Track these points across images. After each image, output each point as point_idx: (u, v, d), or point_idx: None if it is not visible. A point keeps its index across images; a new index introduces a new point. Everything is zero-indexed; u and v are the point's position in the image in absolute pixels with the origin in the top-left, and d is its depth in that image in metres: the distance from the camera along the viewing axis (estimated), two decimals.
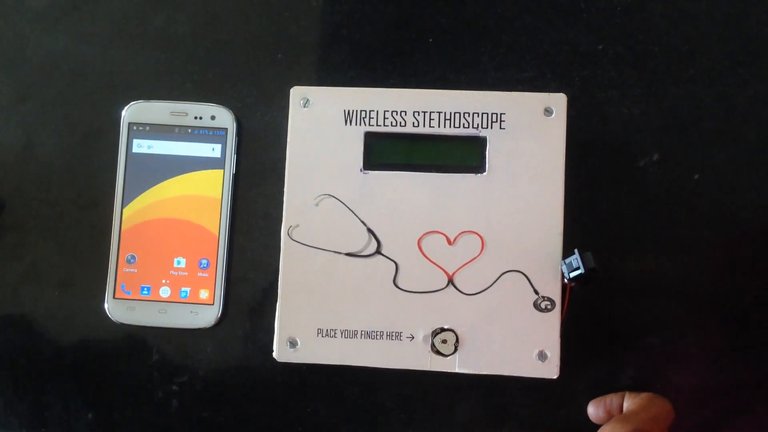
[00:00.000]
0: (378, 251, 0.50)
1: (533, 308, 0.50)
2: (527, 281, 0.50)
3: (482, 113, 0.51)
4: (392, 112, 0.51)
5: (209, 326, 0.56)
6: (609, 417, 0.52)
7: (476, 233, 0.50)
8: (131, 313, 0.56)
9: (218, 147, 0.56)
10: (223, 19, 0.59)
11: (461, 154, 0.51)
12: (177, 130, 0.57)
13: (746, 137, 0.56)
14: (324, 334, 0.50)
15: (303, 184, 0.51)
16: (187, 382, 0.56)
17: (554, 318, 0.50)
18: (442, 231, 0.50)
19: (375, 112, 0.52)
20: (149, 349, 0.57)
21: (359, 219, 0.51)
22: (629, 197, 0.56)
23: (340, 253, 0.51)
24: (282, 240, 0.51)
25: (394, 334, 0.50)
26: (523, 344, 0.49)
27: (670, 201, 0.56)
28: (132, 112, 0.57)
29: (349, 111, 0.52)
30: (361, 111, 0.52)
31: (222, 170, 0.56)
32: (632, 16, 0.57)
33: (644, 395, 0.52)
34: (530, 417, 0.55)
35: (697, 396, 0.55)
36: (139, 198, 0.56)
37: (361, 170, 0.51)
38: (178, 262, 0.56)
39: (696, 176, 0.56)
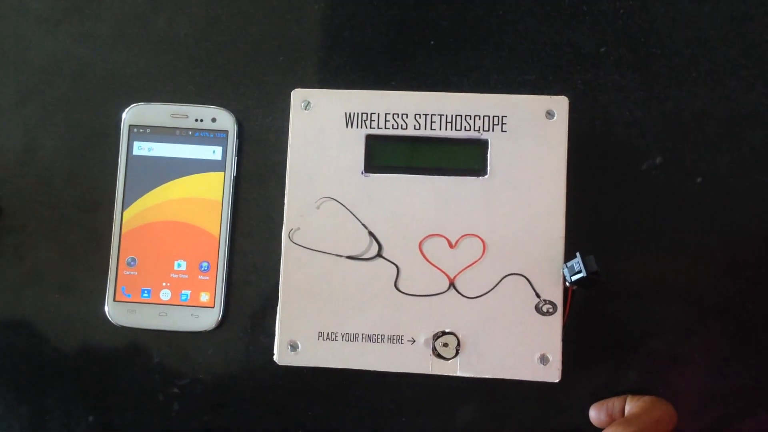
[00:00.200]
0: (379, 254, 0.50)
1: (535, 312, 0.50)
2: (529, 284, 0.50)
3: (484, 116, 0.51)
4: (394, 114, 0.51)
5: (210, 329, 0.56)
6: (611, 421, 0.52)
7: (478, 236, 0.50)
8: (132, 316, 0.56)
9: (219, 149, 0.56)
10: (225, 21, 0.59)
11: (463, 157, 0.51)
12: (178, 132, 0.57)
13: (749, 141, 0.56)
14: (325, 338, 0.50)
15: (304, 187, 0.51)
16: (188, 385, 0.56)
17: (556, 321, 0.49)
18: (443, 234, 0.50)
19: (376, 114, 0.51)
20: (150, 352, 0.57)
21: (360, 222, 0.51)
22: (632, 200, 0.55)
23: (341, 256, 0.51)
24: (283, 243, 0.51)
25: (395, 337, 0.50)
26: (525, 348, 0.49)
27: (673, 204, 0.55)
28: (133, 114, 0.57)
29: (350, 114, 0.52)
30: (362, 114, 0.51)
31: (223, 173, 0.56)
32: (634, 18, 0.57)
33: (646, 399, 0.52)
34: (531, 421, 0.55)
35: (699, 400, 0.55)
36: (139, 200, 0.56)
37: (362, 173, 0.51)
38: (179, 265, 0.56)
39: (699, 180, 0.56)
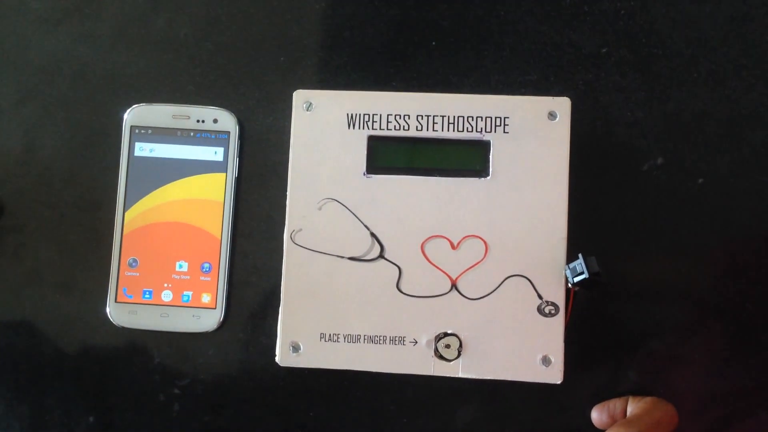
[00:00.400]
0: (381, 255, 0.50)
1: (537, 313, 0.50)
2: (531, 286, 0.50)
3: (486, 117, 0.51)
4: (396, 115, 0.51)
5: (211, 330, 0.56)
6: (612, 422, 0.52)
7: (480, 238, 0.50)
8: (133, 317, 0.56)
9: (221, 150, 0.56)
10: (226, 21, 0.59)
11: (465, 158, 0.51)
12: (179, 133, 0.56)
13: (750, 141, 0.56)
14: (327, 339, 0.50)
15: (306, 188, 0.51)
16: (189, 386, 0.56)
17: (558, 323, 0.49)
18: (445, 235, 0.50)
19: (378, 115, 0.51)
20: (151, 352, 0.57)
21: (362, 223, 0.51)
22: (633, 201, 0.56)
23: (343, 257, 0.51)
24: (285, 244, 0.51)
25: (397, 338, 0.50)
26: (527, 349, 0.49)
27: (674, 205, 0.55)
28: (134, 115, 0.57)
29: (352, 114, 0.51)
30: (364, 114, 0.51)
31: (224, 174, 0.56)
32: (636, 19, 0.57)
33: (648, 399, 0.52)
34: (533, 422, 0.55)
35: (700, 400, 0.55)
36: (141, 201, 0.56)
37: (364, 174, 0.51)
38: (180, 266, 0.55)
39: (700, 180, 0.56)
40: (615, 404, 0.53)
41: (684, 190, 0.56)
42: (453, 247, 0.50)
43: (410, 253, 0.50)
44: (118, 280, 0.56)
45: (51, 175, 0.58)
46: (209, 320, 0.55)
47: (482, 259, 0.50)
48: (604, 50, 0.57)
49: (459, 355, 0.49)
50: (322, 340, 0.50)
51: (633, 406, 0.52)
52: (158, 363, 0.56)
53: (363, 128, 0.51)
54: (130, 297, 0.56)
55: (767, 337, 0.55)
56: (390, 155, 0.52)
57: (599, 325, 0.55)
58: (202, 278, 0.55)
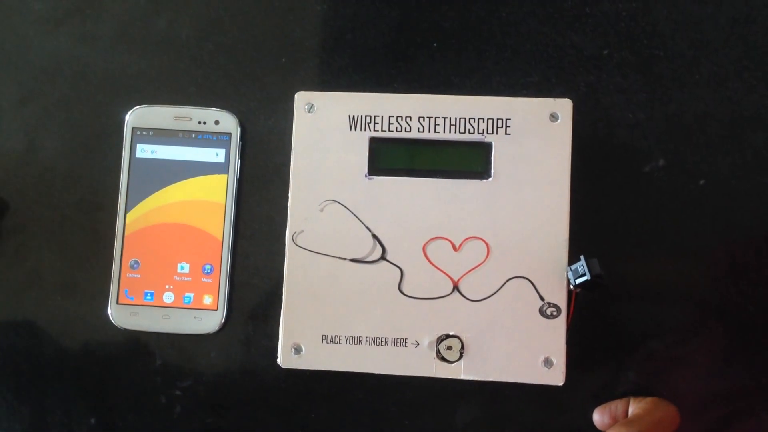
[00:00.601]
0: (383, 257, 0.50)
1: (539, 315, 0.50)
2: (533, 287, 0.50)
3: (488, 119, 0.51)
4: (397, 117, 0.51)
5: (213, 332, 0.56)
6: (614, 423, 0.52)
7: (482, 239, 0.50)
8: (134, 319, 0.55)
9: (222, 152, 0.56)
10: (227, 22, 0.59)
11: (466, 159, 0.51)
12: (181, 134, 0.56)
13: (752, 143, 0.56)
14: (329, 341, 0.50)
15: (308, 190, 0.51)
16: (191, 388, 0.56)
17: (560, 324, 0.49)
18: (447, 237, 0.50)
19: (380, 117, 0.51)
20: (152, 354, 0.57)
21: (364, 225, 0.51)
22: (634, 203, 0.56)
23: (344, 259, 0.51)
24: (287, 245, 0.51)
25: (399, 340, 0.50)
26: (529, 351, 0.49)
27: (676, 206, 0.55)
28: (135, 116, 0.57)
29: (354, 116, 0.51)
30: (366, 116, 0.51)
31: (226, 175, 0.56)
32: (637, 20, 0.57)
33: (649, 400, 0.52)
34: (535, 423, 0.55)
35: (702, 401, 0.55)
36: (142, 203, 0.56)
37: (366, 176, 0.51)
38: (182, 268, 0.55)
39: (701, 182, 0.56)
40: (616, 405, 0.53)
41: (685, 191, 0.56)
42: (455, 248, 0.50)
43: (412, 254, 0.50)
44: (119, 282, 0.56)
45: (52, 176, 0.58)
46: (211, 322, 0.55)
47: (484, 261, 0.50)
48: (605, 52, 0.57)
49: (461, 356, 0.49)
50: (324, 341, 0.50)
51: (634, 407, 0.52)
52: (160, 364, 0.56)
53: (365, 130, 0.51)
54: (132, 298, 0.55)
55: None
56: (392, 157, 0.52)
57: (601, 326, 0.55)
58: (203, 280, 0.55)
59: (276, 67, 0.58)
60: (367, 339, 0.50)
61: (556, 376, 0.49)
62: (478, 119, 0.51)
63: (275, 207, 0.56)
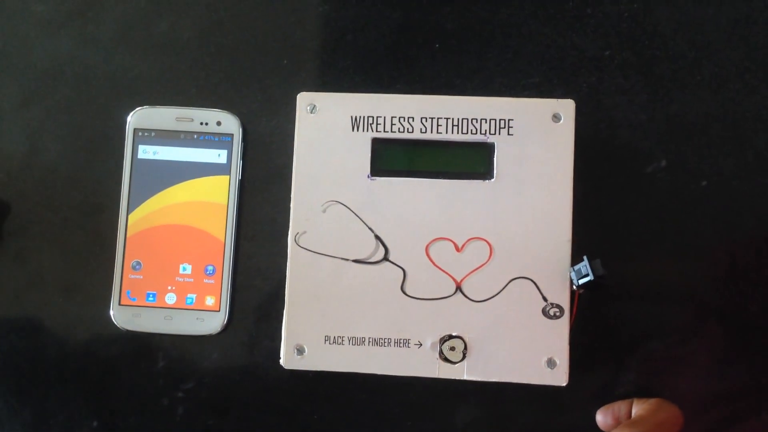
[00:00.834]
0: (385, 258, 0.50)
1: (542, 315, 0.50)
2: (536, 288, 0.50)
3: (490, 119, 0.51)
4: (399, 118, 0.51)
5: (215, 333, 0.55)
6: (617, 424, 0.52)
7: (484, 240, 0.50)
8: (137, 320, 0.55)
9: (224, 153, 0.56)
10: (229, 24, 0.59)
11: (469, 160, 0.51)
12: (182, 135, 0.56)
13: (753, 144, 0.56)
14: (331, 341, 0.50)
15: (310, 191, 0.51)
16: (193, 389, 0.56)
17: (563, 325, 0.49)
18: (449, 237, 0.50)
19: (382, 118, 0.51)
20: (154, 355, 0.56)
21: (366, 225, 0.51)
22: (637, 203, 0.56)
23: (347, 259, 0.50)
24: (289, 246, 0.51)
25: (401, 341, 0.50)
26: (532, 351, 0.49)
27: (678, 207, 0.55)
28: (137, 117, 0.57)
29: (356, 117, 0.51)
30: (368, 117, 0.51)
31: (228, 176, 0.56)
32: (639, 22, 0.57)
33: (652, 401, 0.52)
34: (537, 424, 0.55)
35: (705, 402, 0.55)
36: (144, 204, 0.56)
37: (368, 176, 0.51)
38: (184, 269, 0.55)
39: (703, 183, 0.56)
40: (620, 406, 0.53)
41: (687, 192, 0.56)
42: (457, 249, 0.50)
43: (415, 255, 0.50)
44: (121, 283, 0.56)
45: (54, 178, 0.58)
46: (213, 323, 0.55)
47: (487, 262, 0.50)
48: (607, 53, 0.57)
49: (464, 357, 0.49)
50: (327, 342, 0.50)
51: (638, 408, 0.52)
52: (162, 366, 0.56)
53: (367, 131, 0.51)
54: (134, 300, 0.55)
55: None
56: (394, 157, 0.52)
57: (604, 327, 0.55)
58: (205, 281, 0.55)
59: (278, 67, 0.58)
60: (370, 340, 0.50)
61: (560, 377, 0.49)
62: (481, 120, 0.51)
63: (277, 208, 0.56)
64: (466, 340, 0.49)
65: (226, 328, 0.56)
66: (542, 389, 0.50)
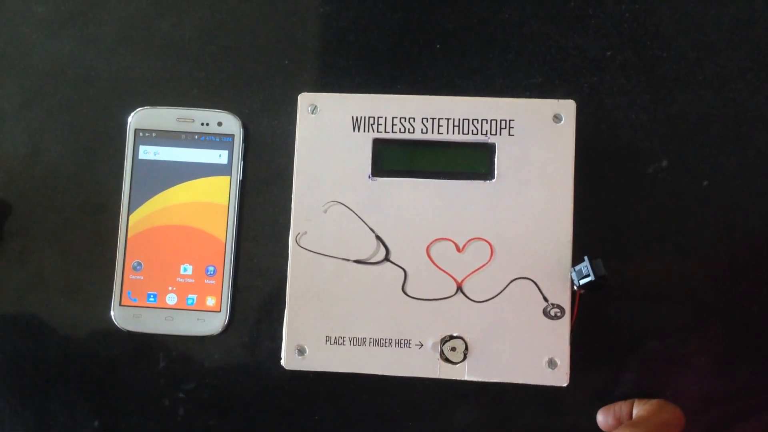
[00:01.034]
0: (386, 258, 0.50)
1: (543, 316, 0.49)
2: (537, 288, 0.50)
3: (491, 120, 0.51)
4: (401, 118, 0.51)
5: (216, 333, 0.55)
6: (618, 425, 0.52)
7: (485, 240, 0.50)
8: (137, 321, 0.55)
9: (225, 153, 0.56)
10: (230, 24, 0.59)
11: (470, 160, 0.51)
12: (183, 136, 0.56)
13: (755, 144, 0.56)
14: (332, 342, 0.50)
15: (311, 191, 0.51)
16: (194, 390, 0.56)
17: (564, 325, 0.49)
18: (450, 238, 0.50)
19: (383, 118, 0.51)
20: (155, 356, 0.56)
21: (368, 226, 0.51)
22: (638, 204, 0.55)
23: (348, 260, 0.50)
24: (290, 247, 0.51)
25: (402, 341, 0.50)
26: (533, 352, 0.49)
27: (679, 208, 0.55)
28: (138, 118, 0.57)
29: (357, 118, 0.51)
30: (369, 117, 0.51)
31: (229, 177, 0.56)
32: (640, 22, 0.57)
33: (654, 402, 0.52)
34: (538, 425, 0.55)
35: (707, 402, 0.55)
36: (145, 204, 0.56)
37: (369, 177, 0.51)
38: (185, 269, 0.55)
39: (705, 183, 0.56)
40: (621, 407, 0.53)
41: (689, 192, 0.56)
42: (458, 249, 0.50)
43: (415, 255, 0.50)
44: (122, 284, 0.56)
45: (55, 178, 0.58)
46: (214, 323, 0.55)
47: (488, 262, 0.50)
48: (608, 53, 0.57)
49: (465, 357, 0.49)
50: (328, 343, 0.50)
51: (639, 409, 0.52)
52: (163, 367, 0.56)
53: (368, 131, 0.51)
54: (135, 300, 0.55)
55: None
56: (395, 158, 0.52)
57: (604, 327, 0.55)
58: (206, 281, 0.55)
59: (279, 68, 0.58)
60: (371, 340, 0.50)
61: (560, 377, 0.49)
62: (482, 120, 0.51)
63: (278, 208, 0.56)
64: (467, 340, 0.49)
65: (226, 328, 0.56)
66: (543, 390, 0.50)
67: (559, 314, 0.49)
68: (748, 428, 0.55)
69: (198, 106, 0.57)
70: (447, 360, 0.49)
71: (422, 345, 0.50)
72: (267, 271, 0.56)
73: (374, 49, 0.58)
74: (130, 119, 0.57)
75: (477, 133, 0.51)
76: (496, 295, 0.50)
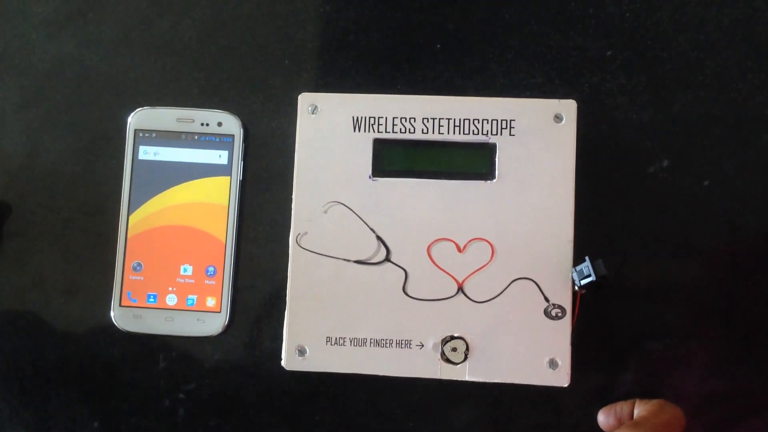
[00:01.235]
0: (387, 259, 0.50)
1: (544, 316, 0.49)
2: (538, 289, 0.50)
3: (492, 120, 0.51)
4: (401, 118, 0.51)
5: (216, 334, 0.55)
6: (619, 425, 0.52)
7: (486, 240, 0.50)
8: (137, 321, 0.55)
9: (225, 154, 0.56)
10: (230, 24, 0.59)
11: (470, 160, 0.51)
12: (183, 136, 0.56)
13: (756, 143, 0.56)
14: (333, 342, 0.50)
15: (311, 191, 0.51)
16: (194, 390, 0.56)
17: (565, 326, 0.49)
18: (451, 238, 0.50)
19: (384, 118, 0.51)
20: (156, 357, 0.56)
21: (368, 226, 0.51)
22: (639, 204, 0.55)
23: (349, 260, 0.50)
24: (290, 247, 0.51)
25: (403, 342, 0.50)
26: (534, 352, 0.49)
27: (680, 207, 0.55)
28: (138, 118, 0.57)
29: (357, 118, 0.51)
30: (369, 118, 0.51)
31: (229, 177, 0.56)
32: (641, 21, 0.57)
33: (655, 402, 0.52)
34: (539, 425, 0.55)
35: (708, 402, 0.55)
36: (145, 205, 0.56)
37: (369, 177, 0.51)
38: (185, 270, 0.55)
39: (706, 182, 0.55)
40: (622, 407, 0.52)
41: (690, 192, 0.56)
42: (459, 250, 0.50)
43: (416, 256, 0.50)
44: (122, 284, 0.55)
45: (55, 179, 0.58)
46: (214, 324, 0.55)
47: (488, 262, 0.50)
48: (609, 53, 0.57)
49: (466, 358, 0.49)
50: (328, 343, 0.50)
51: (640, 409, 0.51)
52: (163, 367, 0.56)
53: (368, 131, 0.51)
54: (135, 301, 0.55)
55: None
56: (395, 158, 0.52)
57: (605, 327, 0.55)
58: (206, 282, 0.55)
59: (279, 68, 0.58)
60: (372, 341, 0.50)
61: (561, 378, 0.49)
62: (482, 120, 0.51)
63: (279, 209, 0.55)
64: (468, 340, 0.49)
65: (227, 329, 0.55)
66: (544, 390, 0.50)
67: (560, 314, 0.49)
68: (748, 428, 0.55)
69: (198, 107, 0.57)
70: (448, 360, 0.49)
71: (423, 345, 0.50)
72: (267, 271, 0.56)
73: (374, 49, 0.58)
74: (129, 119, 0.57)
75: (478, 133, 0.51)
76: (497, 296, 0.50)
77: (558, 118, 0.51)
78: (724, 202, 0.55)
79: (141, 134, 0.57)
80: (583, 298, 0.50)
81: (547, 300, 0.49)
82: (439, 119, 0.51)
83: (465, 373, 0.49)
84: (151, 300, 0.55)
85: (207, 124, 0.56)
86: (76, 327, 0.57)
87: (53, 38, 0.60)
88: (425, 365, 0.50)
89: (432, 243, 0.50)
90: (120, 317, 0.55)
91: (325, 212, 0.51)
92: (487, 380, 0.49)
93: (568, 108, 0.51)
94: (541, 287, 0.50)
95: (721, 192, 0.55)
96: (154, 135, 0.56)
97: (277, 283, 0.55)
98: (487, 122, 0.51)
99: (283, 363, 0.50)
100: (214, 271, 0.55)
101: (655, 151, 0.56)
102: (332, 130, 0.51)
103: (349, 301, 0.50)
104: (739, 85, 0.56)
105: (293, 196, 0.51)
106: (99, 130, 0.58)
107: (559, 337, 0.49)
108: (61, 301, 0.57)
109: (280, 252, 0.53)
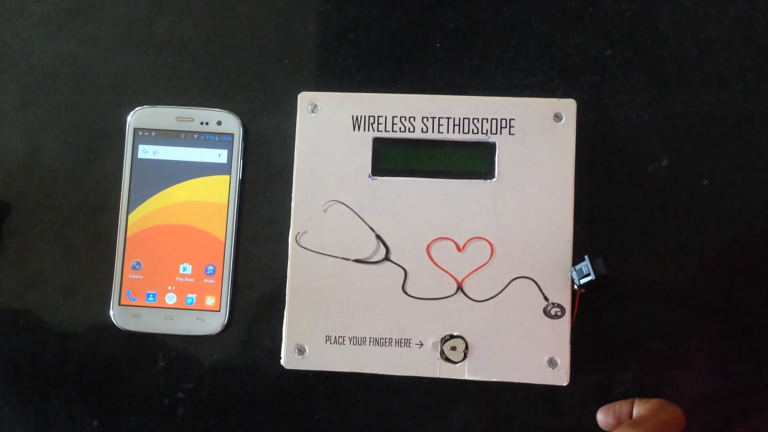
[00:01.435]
0: (387, 258, 0.50)
1: (543, 315, 0.49)
2: (537, 288, 0.50)
3: (491, 119, 0.51)
4: (401, 117, 0.51)
5: (215, 333, 0.55)
6: (618, 424, 0.52)
7: (485, 239, 0.50)
8: (137, 320, 0.55)
9: (224, 152, 0.56)
10: (230, 23, 0.59)
11: (470, 160, 0.51)
12: (183, 135, 0.56)
13: (755, 142, 0.56)
14: (332, 341, 0.50)
15: (311, 190, 0.51)
16: (194, 390, 0.56)
17: (564, 324, 0.49)
18: (451, 237, 0.50)
19: (383, 117, 0.51)
20: (155, 356, 0.56)
21: (368, 225, 0.50)
22: (639, 203, 0.55)
23: (348, 259, 0.50)
24: (290, 246, 0.51)
25: (402, 341, 0.50)
26: (533, 351, 0.49)
27: (680, 207, 0.55)
28: (137, 117, 0.57)
29: (357, 117, 0.51)
30: (369, 117, 0.51)
31: (228, 176, 0.56)
32: (641, 21, 0.57)
33: (654, 401, 0.52)
34: (538, 424, 0.55)
35: (705, 402, 0.55)
36: (144, 204, 0.56)
37: (369, 176, 0.51)
38: (184, 269, 0.55)
39: (705, 182, 0.55)
40: (621, 406, 0.53)
41: (689, 191, 0.56)
42: (459, 249, 0.50)
43: (416, 255, 0.50)
44: (121, 283, 0.55)
45: (54, 178, 0.58)
46: (213, 323, 0.55)
47: (488, 261, 0.50)
48: (609, 52, 0.57)
49: (465, 357, 0.49)
50: (328, 342, 0.50)
51: (639, 408, 0.52)
52: (162, 366, 0.56)
53: (368, 130, 0.51)
54: (134, 300, 0.55)
55: None
56: (395, 157, 0.51)
57: (605, 326, 0.55)
58: (206, 281, 0.55)
59: (279, 67, 0.58)
60: (371, 339, 0.50)
61: (561, 377, 0.49)
62: (482, 119, 0.51)
63: (278, 208, 0.55)
64: (467, 339, 0.49)
65: (226, 328, 0.55)
66: (543, 389, 0.50)
67: (559, 313, 0.49)
68: (748, 428, 0.55)
69: (197, 105, 0.57)
70: (447, 359, 0.49)
71: (422, 344, 0.50)
72: (267, 270, 0.56)
73: (374, 48, 0.58)
74: (129, 118, 0.57)
75: (477, 133, 0.51)
76: (497, 295, 0.50)
77: (558, 117, 0.51)
78: (723, 202, 0.55)
79: (140, 133, 0.57)
80: (582, 297, 0.50)
81: (546, 299, 0.49)
82: (439, 118, 0.51)
83: (464, 372, 0.49)
84: (151, 299, 0.55)
85: (206, 123, 0.56)
86: (75, 326, 0.57)
87: (53, 37, 0.60)
88: (425, 364, 0.50)
89: (431, 242, 0.50)
90: (119, 316, 0.55)
91: (325, 211, 0.51)
92: (487, 379, 0.49)
93: (568, 107, 0.50)
94: (541, 286, 0.50)
95: (720, 191, 0.55)
96: (153, 134, 0.56)
97: (277, 282, 0.55)
98: (487, 121, 0.51)
99: (282, 362, 0.50)
100: (213, 270, 0.55)
101: (654, 150, 0.56)
102: (332, 129, 0.51)
103: (349, 300, 0.50)
104: (739, 85, 0.56)
105: (293, 195, 0.51)
106: (98, 128, 0.58)
107: (558, 336, 0.49)
108: (61, 299, 0.57)
109: (279, 251, 0.53)
